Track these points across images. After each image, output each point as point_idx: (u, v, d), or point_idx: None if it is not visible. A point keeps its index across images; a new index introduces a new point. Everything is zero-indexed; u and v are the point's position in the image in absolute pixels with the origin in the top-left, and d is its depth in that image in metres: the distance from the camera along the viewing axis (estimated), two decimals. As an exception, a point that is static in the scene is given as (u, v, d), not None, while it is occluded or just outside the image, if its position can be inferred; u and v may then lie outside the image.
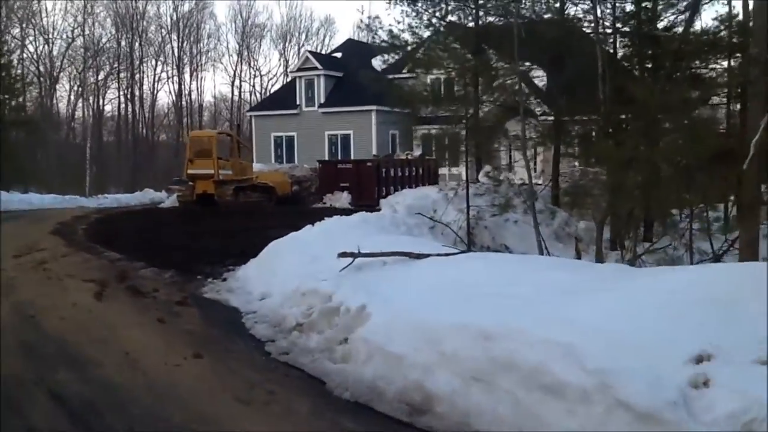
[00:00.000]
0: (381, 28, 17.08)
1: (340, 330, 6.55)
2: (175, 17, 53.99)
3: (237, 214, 21.93)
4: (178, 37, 53.53)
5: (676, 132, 12.57)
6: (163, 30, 53.87)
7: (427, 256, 8.25)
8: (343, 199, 28.07)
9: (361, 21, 18.86)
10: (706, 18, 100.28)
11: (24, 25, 46.19)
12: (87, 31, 47.20)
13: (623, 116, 14.09)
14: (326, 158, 35.63)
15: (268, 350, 6.76)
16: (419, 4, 17.18)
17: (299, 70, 37.26)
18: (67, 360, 6.39)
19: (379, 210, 26.89)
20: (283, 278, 8.66)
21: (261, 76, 60.89)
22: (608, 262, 11.62)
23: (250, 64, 59.75)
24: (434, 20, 17.17)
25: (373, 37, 17.32)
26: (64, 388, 5.63)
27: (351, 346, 6.19)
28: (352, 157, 34.57)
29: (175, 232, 16.23)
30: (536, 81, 20.08)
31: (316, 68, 36.45)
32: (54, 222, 18.28)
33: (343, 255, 8.18)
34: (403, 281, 7.35)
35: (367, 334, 6.03)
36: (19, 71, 43.32)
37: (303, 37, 62.07)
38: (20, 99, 40.22)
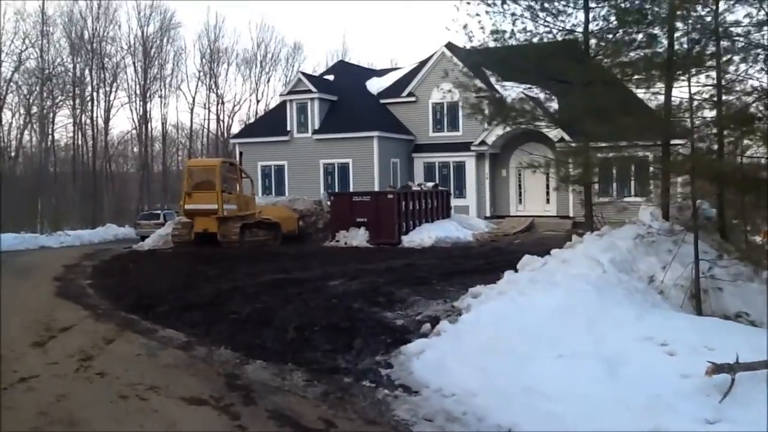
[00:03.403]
0: (482, 28, 13.72)
1: None
2: (141, 36, 49.31)
3: (253, 256, 18.16)
4: (144, 60, 48.80)
5: None
6: (123, 52, 49.18)
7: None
8: (359, 236, 24.61)
9: (454, 21, 15.89)
10: None
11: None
12: (42, 51, 42.33)
13: None
14: (322, 189, 32.22)
15: None
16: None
17: (290, 93, 33.65)
18: None
19: (399, 246, 23.71)
20: (569, 402, 5.15)
21: (224, 103, 56.59)
22: None
23: (216, 93, 55.44)
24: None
25: (470, 38, 13.98)
26: None
27: None
28: (351, 189, 31.18)
29: (212, 287, 12.32)
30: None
31: (309, 91, 32.97)
32: (46, 275, 14.20)
33: (718, 370, 4.72)
34: None
35: None
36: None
37: (271, 63, 58.33)
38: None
